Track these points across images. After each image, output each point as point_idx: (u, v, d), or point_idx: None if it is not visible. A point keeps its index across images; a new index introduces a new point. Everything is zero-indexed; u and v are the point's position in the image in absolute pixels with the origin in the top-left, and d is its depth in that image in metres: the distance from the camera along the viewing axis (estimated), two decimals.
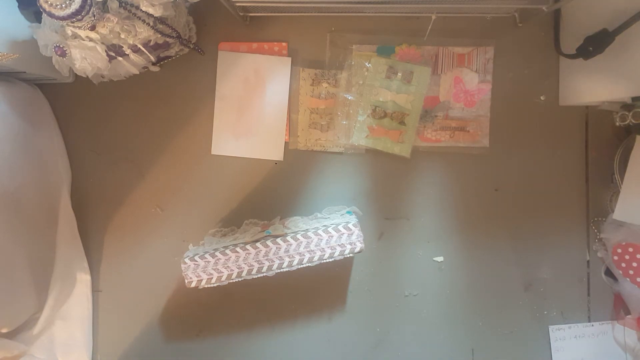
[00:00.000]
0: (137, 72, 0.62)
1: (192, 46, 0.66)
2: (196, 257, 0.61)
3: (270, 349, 0.73)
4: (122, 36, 0.55)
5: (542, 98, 0.71)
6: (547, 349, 0.72)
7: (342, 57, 0.70)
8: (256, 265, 0.61)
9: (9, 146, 0.59)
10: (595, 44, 0.59)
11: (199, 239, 0.69)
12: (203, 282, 0.61)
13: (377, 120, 0.70)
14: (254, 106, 0.72)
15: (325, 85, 0.71)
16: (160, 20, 0.56)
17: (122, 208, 0.72)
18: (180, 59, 0.70)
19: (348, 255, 0.62)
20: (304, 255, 0.61)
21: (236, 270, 0.61)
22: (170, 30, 0.58)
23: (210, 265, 0.61)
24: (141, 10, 0.53)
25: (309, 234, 0.62)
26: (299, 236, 0.61)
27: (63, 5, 0.48)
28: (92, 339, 0.71)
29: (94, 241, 0.72)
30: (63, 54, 0.54)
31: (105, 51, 0.55)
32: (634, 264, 0.66)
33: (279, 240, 0.61)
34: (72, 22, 0.50)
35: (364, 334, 0.72)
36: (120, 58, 0.58)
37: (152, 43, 0.59)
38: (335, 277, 0.72)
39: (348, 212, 0.67)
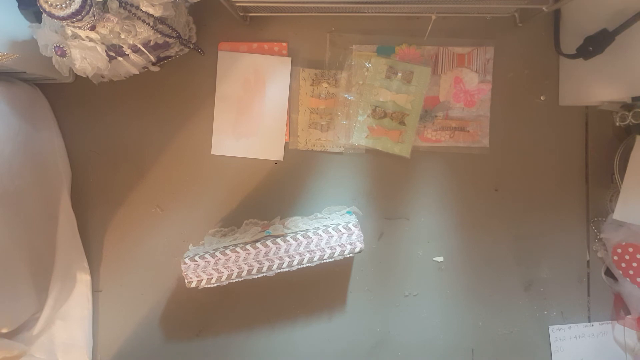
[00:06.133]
0: (137, 72, 0.62)
1: (192, 46, 0.66)
2: (196, 257, 0.61)
3: (270, 349, 0.73)
4: (122, 36, 0.55)
5: (542, 98, 0.71)
6: (547, 349, 0.72)
7: (342, 57, 0.70)
8: (256, 266, 0.61)
9: (9, 146, 0.59)
10: (595, 44, 0.59)
11: (199, 239, 0.69)
12: (203, 282, 0.61)
13: (377, 120, 0.70)
14: (254, 106, 0.72)
15: (325, 85, 0.71)
16: (160, 20, 0.56)
17: (122, 208, 0.72)
18: (180, 59, 0.70)
19: (348, 255, 0.62)
20: (304, 255, 0.61)
21: (236, 271, 0.61)
22: (170, 30, 0.58)
23: (210, 266, 0.61)
24: (141, 10, 0.53)
25: (309, 234, 0.62)
26: (299, 236, 0.61)
27: (63, 5, 0.48)
28: (92, 339, 0.71)
29: (94, 241, 0.72)
30: (63, 54, 0.54)
31: (105, 51, 0.55)
32: (634, 264, 0.66)
33: (279, 240, 0.61)
34: (72, 22, 0.50)
35: (364, 334, 0.72)
36: (120, 58, 0.58)
37: (152, 43, 0.59)
38: (335, 277, 0.72)
39: (348, 212, 0.67)
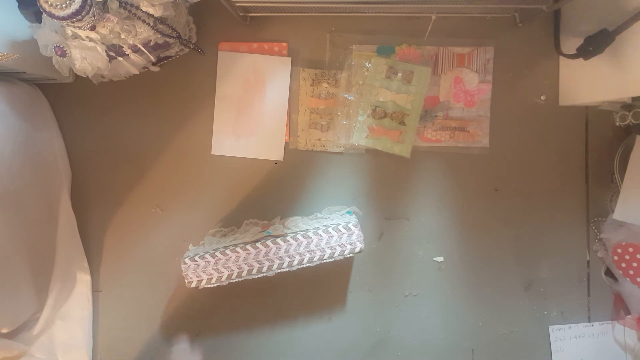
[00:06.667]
0: (137, 72, 0.62)
1: (192, 46, 0.66)
2: (196, 257, 0.61)
3: (270, 348, 0.73)
4: (122, 36, 0.55)
5: (542, 98, 0.71)
6: (547, 349, 0.72)
7: (342, 57, 0.70)
8: (256, 266, 0.61)
9: (9, 146, 0.59)
10: (595, 44, 0.59)
11: (199, 239, 0.69)
12: (203, 282, 0.61)
13: (377, 120, 0.70)
14: (254, 106, 0.72)
15: (325, 85, 0.71)
16: (160, 20, 0.56)
17: (122, 208, 0.72)
18: (180, 59, 0.70)
19: (348, 255, 0.62)
20: (304, 255, 0.61)
21: (236, 271, 0.61)
22: (170, 30, 0.58)
23: (210, 265, 0.61)
24: (141, 10, 0.53)
25: (309, 234, 0.62)
26: (299, 236, 0.61)
27: (63, 6, 0.48)
28: (92, 339, 0.71)
29: (94, 241, 0.72)
30: (63, 54, 0.54)
31: (105, 51, 0.55)
32: (634, 264, 0.66)
33: (279, 240, 0.61)
34: (72, 22, 0.50)
35: (364, 334, 0.72)
36: (120, 58, 0.58)
37: (152, 43, 0.59)
38: (335, 277, 0.72)
39: (348, 212, 0.67)
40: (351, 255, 0.62)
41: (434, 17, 0.63)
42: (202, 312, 0.73)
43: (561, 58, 0.70)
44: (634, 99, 0.63)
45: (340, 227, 0.62)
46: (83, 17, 0.50)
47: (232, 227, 0.72)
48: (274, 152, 0.72)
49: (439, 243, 0.72)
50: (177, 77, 0.71)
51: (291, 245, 0.61)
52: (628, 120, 0.63)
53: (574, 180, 0.72)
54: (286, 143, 0.72)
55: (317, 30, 0.71)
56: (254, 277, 0.62)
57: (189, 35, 0.67)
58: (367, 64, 0.69)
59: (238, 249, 0.61)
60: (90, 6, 0.50)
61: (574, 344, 0.72)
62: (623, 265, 0.68)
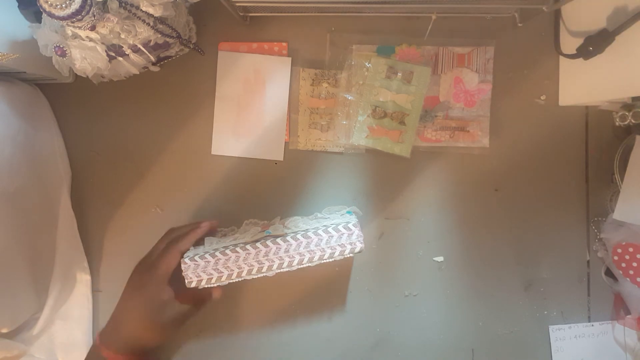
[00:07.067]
0: (137, 72, 0.63)
1: (192, 46, 0.66)
2: (196, 257, 0.61)
3: (270, 349, 0.73)
4: (122, 36, 0.55)
5: (542, 98, 0.71)
6: (547, 349, 0.72)
7: (342, 57, 0.70)
8: (256, 265, 0.61)
9: (9, 146, 0.59)
10: (595, 44, 0.59)
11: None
12: (203, 282, 0.61)
13: (377, 120, 0.70)
14: (254, 106, 0.72)
15: (325, 85, 0.71)
16: (160, 20, 0.56)
17: (122, 208, 0.72)
18: (180, 59, 0.71)
19: (348, 255, 0.62)
20: (304, 255, 0.61)
21: (236, 270, 0.61)
22: (170, 30, 0.58)
23: (210, 265, 0.61)
24: (141, 10, 0.53)
25: (309, 234, 0.61)
26: (299, 236, 0.61)
27: (63, 5, 0.48)
28: (92, 339, 0.71)
29: (94, 241, 0.72)
30: (63, 54, 0.54)
31: (105, 51, 0.55)
32: (634, 264, 0.66)
33: (279, 240, 0.61)
34: (72, 22, 0.50)
35: (364, 334, 0.72)
36: (120, 58, 0.58)
37: (152, 43, 0.59)
38: (335, 277, 0.72)
39: (348, 212, 0.67)
40: (351, 255, 0.62)
41: (434, 17, 0.63)
42: (202, 312, 0.72)
43: (561, 58, 0.70)
44: (634, 99, 0.63)
45: (340, 227, 0.62)
46: (83, 17, 0.50)
47: (232, 227, 0.71)
48: (274, 152, 0.72)
49: (439, 243, 0.72)
50: (177, 77, 0.71)
51: (291, 245, 0.61)
52: (628, 120, 0.63)
53: (574, 180, 0.72)
54: (286, 143, 0.72)
55: (317, 30, 0.71)
56: (254, 277, 0.62)
57: (189, 35, 0.67)
58: (367, 64, 0.69)
59: (238, 249, 0.61)
60: (90, 6, 0.50)
61: (574, 344, 0.72)
62: (623, 265, 0.68)
